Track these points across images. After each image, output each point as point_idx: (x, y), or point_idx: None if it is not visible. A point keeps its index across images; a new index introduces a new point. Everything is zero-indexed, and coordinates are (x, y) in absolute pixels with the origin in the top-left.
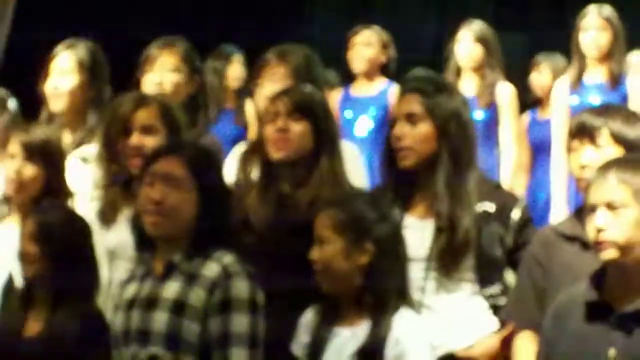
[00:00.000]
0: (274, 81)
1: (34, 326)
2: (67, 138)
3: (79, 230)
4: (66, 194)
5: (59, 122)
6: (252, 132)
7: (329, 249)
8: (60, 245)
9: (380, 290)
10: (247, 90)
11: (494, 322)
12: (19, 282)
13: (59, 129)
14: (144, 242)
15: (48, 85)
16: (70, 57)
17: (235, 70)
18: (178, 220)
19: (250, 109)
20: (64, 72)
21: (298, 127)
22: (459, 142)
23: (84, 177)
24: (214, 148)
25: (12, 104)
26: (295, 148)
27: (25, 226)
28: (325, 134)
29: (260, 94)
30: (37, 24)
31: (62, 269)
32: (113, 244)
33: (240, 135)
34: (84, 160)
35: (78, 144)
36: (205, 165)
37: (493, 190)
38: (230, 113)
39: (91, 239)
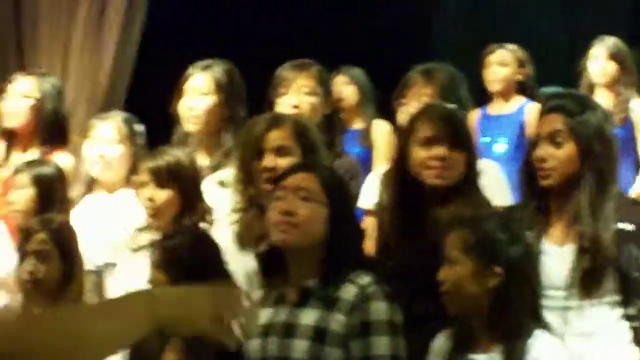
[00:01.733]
0: (419, 101)
1: (170, 357)
2: (202, 160)
3: (208, 254)
4: (204, 212)
5: (192, 142)
6: (381, 153)
7: (457, 270)
8: (189, 271)
9: (512, 314)
10: (370, 109)
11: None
12: None
13: (193, 151)
14: (276, 267)
15: (182, 105)
16: (207, 77)
17: (352, 88)
18: (308, 233)
19: (376, 129)
20: (200, 93)
21: (458, 157)
22: (602, 159)
23: (221, 201)
24: (351, 169)
25: (139, 129)
26: (453, 176)
27: (153, 254)
28: (474, 160)
29: (405, 113)
30: (161, 47)
31: None
32: (251, 267)
33: (365, 156)
34: (221, 184)
35: (214, 168)
36: (337, 184)
37: (630, 208)
38: (354, 133)
39: (222, 262)
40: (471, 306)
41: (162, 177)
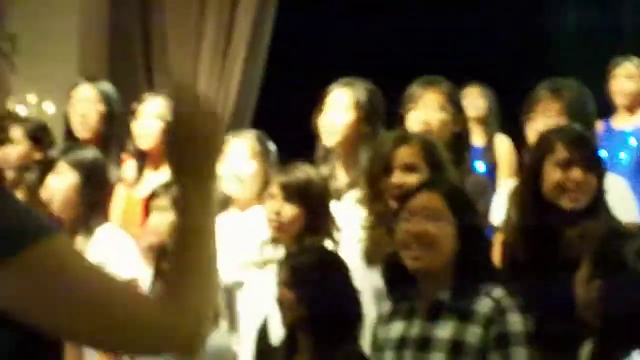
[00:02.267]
0: (547, 117)
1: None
2: (342, 178)
3: (335, 271)
4: (332, 230)
5: (333, 159)
6: (506, 170)
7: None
8: (316, 289)
9: None
10: (494, 125)
11: None
12: (278, 327)
13: (333, 167)
14: (403, 280)
15: (323, 120)
16: (348, 94)
17: (477, 103)
18: (438, 253)
19: (500, 145)
20: (340, 108)
21: (592, 180)
22: None
23: (358, 218)
24: (480, 187)
25: (271, 147)
26: (587, 199)
27: (279, 273)
28: (604, 181)
29: (533, 129)
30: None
31: (322, 313)
32: (379, 284)
33: (487, 172)
34: (359, 201)
35: (352, 186)
36: (463, 201)
37: None
38: (477, 150)
39: (350, 281)
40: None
41: (291, 193)
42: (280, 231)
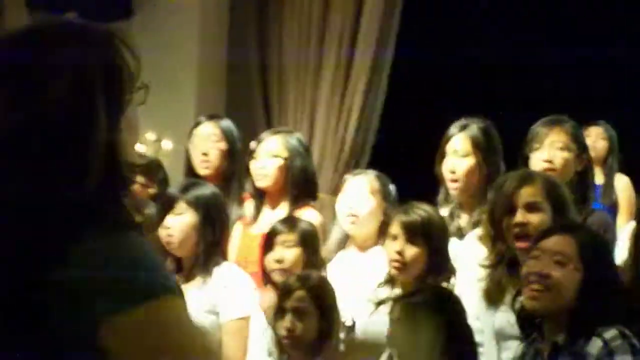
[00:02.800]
0: None
1: None
2: (464, 216)
3: (450, 313)
4: (450, 272)
5: (454, 203)
6: (625, 209)
7: None
8: (428, 329)
9: None
10: (614, 164)
11: None
12: None
13: (455, 209)
14: (529, 322)
15: (444, 167)
16: (465, 138)
17: (598, 143)
18: (558, 297)
19: (620, 184)
20: (459, 155)
21: None
22: None
23: (480, 256)
24: (604, 225)
25: (390, 185)
26: None
27: (392, 310)
28: None
29: None
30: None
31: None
32: (499, 324)
33: (607, 211)
34: (481, 239)
35: (475, 224)
36: (597, 248)
37: None
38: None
39: (464, 319)
40: None
41: (414, 233)
42: (402, 271)
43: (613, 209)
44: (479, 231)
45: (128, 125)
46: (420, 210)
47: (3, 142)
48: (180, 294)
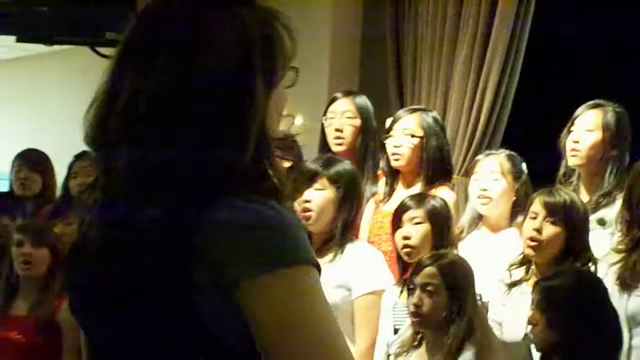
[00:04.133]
0: None
1: None
2: (583, 198)
3: (592, 296)
4: (588, 257)
5: (574, 178)
6: None
7: None
8: (568, 314)
9: None
10: None
11: None
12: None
13: (575, 186)
14: None
15: (569, 140)
16: (596, 115)
17: None
18: None
19: None
20: (586, 129)
21: None
22: None
23: (600, 239)
24: None
25: (523, 167)
26: None
27: (533, 294)
28: None
29: None
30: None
31: (573, 338)
32: (633, 309)
33: None
34: (600, 222)
35: (595, 206)
36: None
37: None
38: None
39: (610, 304)
40: None
41: (555, 212)
42: (538, 251)
43: None
44: (598, 214)
45: (276, 102)
46: (564, 193)
47: (165, 107)
48: (318, 267)
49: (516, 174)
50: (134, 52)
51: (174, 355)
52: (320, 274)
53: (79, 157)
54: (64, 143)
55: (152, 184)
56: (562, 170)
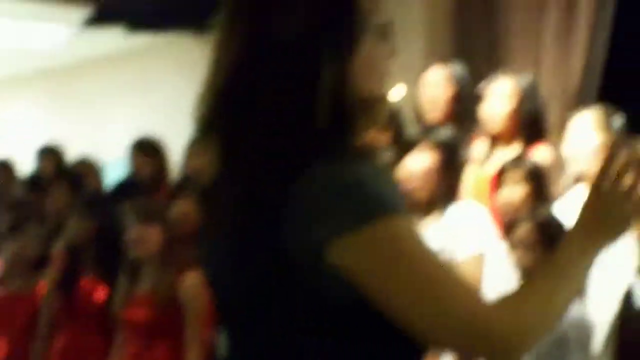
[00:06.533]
0: None
1: None
2: None
3: None
4: None
5: None
6: None
7: None
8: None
9: None
10: None
11: None
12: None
13: None
14: None
15: None
16: None
17: None
18: None
19: None
20: None
21: None
22: None
23: None
24: None
25: (617, 121)
26: None
27: None
28: None
29: None
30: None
31: None
32: None
33: None
34: None
35: None
36: None
37: None
38: None
39: None
40: None
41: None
42: None
43: None
44: None
45: (365, 64)
46: None
47: (238, 76)
48: (409, 216)
49: (610, 127)
50: (220, 30)
51: (290, 329)
52: (412, 221)
53: (194, 141)
54: (174, 132)
55: (248, 158)
56: None
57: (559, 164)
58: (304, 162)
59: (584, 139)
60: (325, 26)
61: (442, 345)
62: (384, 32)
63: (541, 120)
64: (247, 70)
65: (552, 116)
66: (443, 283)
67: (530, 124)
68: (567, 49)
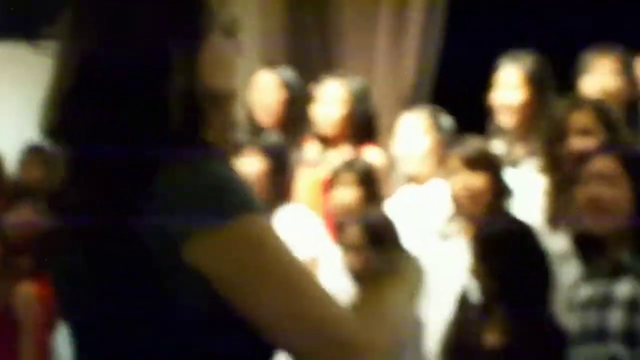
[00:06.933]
0: None
1: (492, 338)
2: (518, 149)
3: (523, 239)
4: (509, 195)
5: (508, 135)
6: None
7: None
8: (506, 260)
9: None
10: None
11: None
12: (473, 296)
13: (509, 142)
14: (587, 243)
15: (494, 98)
16: (517, 70)
17: None
18: (616, 217)
19: None
20: (511, 87)
21: None
22: None
23: (537, 186)
24: None
25: (446, 122)
26: None
27: (472, 245)
28: None
29: None
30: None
31: (513, 283)
32: (560, 248)
33: None
34: (540, 170)
35: (531, 153)
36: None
37: None
38: None
39: (539, 244)
40: None
41: (475, 163)
42: (473, 201)
43: None
44: (533, 162)
45: (213, 61)
46: (475, 141)
47: (87, 80)
48: (266, 215)
49: (440, 129)
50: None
51: (144, 330)
52: (269, 219)
53: (28, 150)
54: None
55: (102, 161)
56: (493, 125)
57: (391, 165)
58: (159, 162)
59: (413, 140)
60: (172, 24)
61: (294, 350)
62: (231, 29)
63: (373, 122)
64: (96, 72)
65: (385, 118)
66: (305, 285)
67: (361, 127)
68: (399, 51)
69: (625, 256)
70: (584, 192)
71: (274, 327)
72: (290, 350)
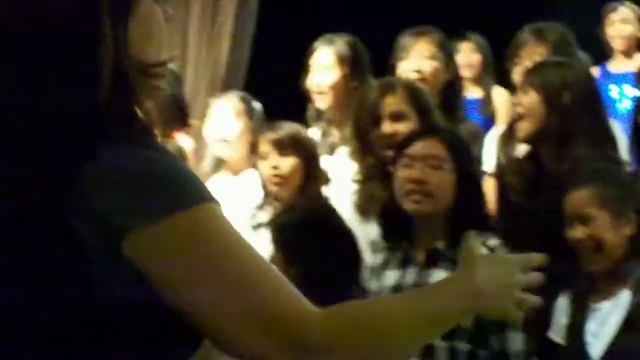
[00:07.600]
0: (533, 60)
1: None
2: (335, 133)
3: (322, 224)
4: (325, 180)
5: (325, 118)
6: (503, 121)
7: (595, 225)
8: (302, 247)
9: None
10: (490, 78)
11: None
12: None
13: (326, 126)
14: (398, 229)
15: (310, 82)
16: (330, 52)
17: (472, 57)
18: (437, 200)
19: (498, 97)
20: (324, 68)
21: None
22: None
23: (350, 172)
24: (474, 133)
25: (256, 106)
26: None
27: (270, 233)
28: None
29: (519, 72)
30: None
31: (313, 269)
32: (373, 236)
33: (485, 125)
34: (351, 155)
35: (346, 140)
36: (463, 148)
37: None
38: (471, 102)
39: (342, 226)
40: (608, 257)
41: (285, 146)
42: (282, 185)
43: (491, 121)
44: (348, 147)
45: (141, 26)
46: (286, 126)
47: (5, 55)
48: (216, 201)
49: (250, 115)
50: None
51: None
52: (220, 205)
53: None
54: None
55: (15, 141)
56: (310, 110)
57: (202, 150)
58: (90, 142)
59: (224, 125)
60: None
61: (239, 350)
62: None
63: (183, 107)
64: (18, 40)
65: (199, 104)
66: (255, 280)
67: (169, 111)
68: (212, 39)
69: (440, 244)
70: (406, 174)
71: (216, 324)
72: (234, 350)
